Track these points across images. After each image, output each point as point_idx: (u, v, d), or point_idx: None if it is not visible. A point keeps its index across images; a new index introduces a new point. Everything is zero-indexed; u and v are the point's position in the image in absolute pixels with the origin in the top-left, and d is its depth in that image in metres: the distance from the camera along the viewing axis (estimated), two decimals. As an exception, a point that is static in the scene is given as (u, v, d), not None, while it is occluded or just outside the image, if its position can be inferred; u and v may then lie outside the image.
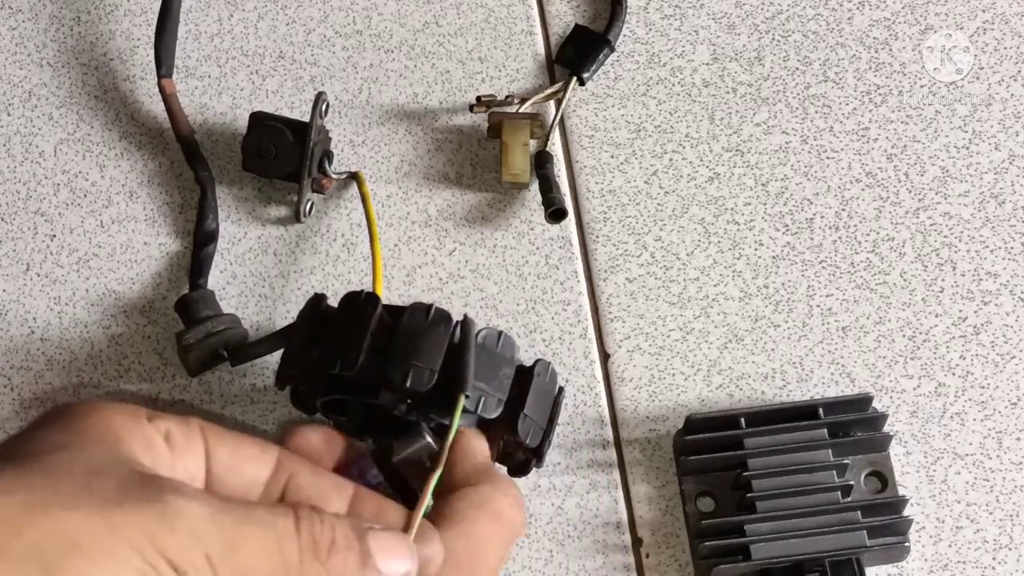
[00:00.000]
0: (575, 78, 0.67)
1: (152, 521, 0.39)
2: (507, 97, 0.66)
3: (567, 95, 0.67)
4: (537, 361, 0.55)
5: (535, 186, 0.65)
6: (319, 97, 0.63)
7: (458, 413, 0.50)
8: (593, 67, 0.68)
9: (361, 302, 0.54)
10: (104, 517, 0.38)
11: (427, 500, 0.47)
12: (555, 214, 0.63)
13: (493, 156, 0.67)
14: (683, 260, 0.65)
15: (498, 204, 0.66)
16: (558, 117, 0.67)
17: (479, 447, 0.51)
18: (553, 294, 0.65)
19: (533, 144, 0.66)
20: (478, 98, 0.66)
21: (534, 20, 0.70)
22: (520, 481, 0.61)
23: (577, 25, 0.69)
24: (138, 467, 0.41)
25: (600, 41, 0.68)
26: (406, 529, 0.46)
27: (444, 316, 0.53)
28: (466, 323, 0.52)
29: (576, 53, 0.68)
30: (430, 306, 0.53)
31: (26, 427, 0.43)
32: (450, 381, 0.52)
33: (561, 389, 0.56)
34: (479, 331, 0.53)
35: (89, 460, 0.40)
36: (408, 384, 0.51)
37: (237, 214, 0.66)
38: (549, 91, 0.67)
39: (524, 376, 0.54)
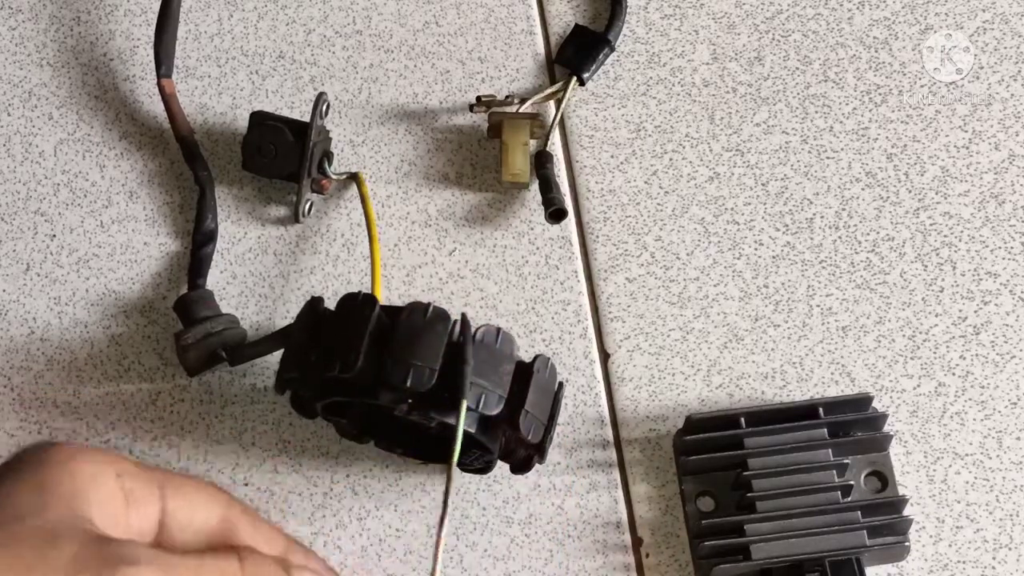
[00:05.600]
0: (575, 78, 0.67)
1: None
2: (507, 97, 0.66)
3: (567, 95, 0.67)
4: (537, 357, 0.55)
5: (535, 186, 0.65)
6: (319, 97, 0.63)
7: (461, 420, 0.50)
8: (593, 67, 0.68)
9: (359, 303, 0.54)
10: None
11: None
12: (555, 214, 0.63)
13: (493, 156, 0.67)
14: (683, 260, 0.65)
15: (498, 204, 0.66)
16: (558, 117, 0.67)
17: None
18: (553, 294, 0.65)
19: (533, 144, 0.66)
20: (478, 98, 0.66)
21: (534, 20, 0.70)
22: (520, 481, 0.61)
23: (577, 25, 0.69)
24: (94, 529, 0.43)
25: (600, 41, 0.68)
26: None
27: (442, 314, 0.53)
28: (464, 322, 0.52)
29: (576, 53, 0.68)
30: (428, 305, 0.53)
31: (2, 469, 0.45)
32: (450, 379, 0.52)
33: (561, 384, 0.56)
34: (477, 328, 0.53)
35: (47, 526, 0.43)
36: (408, 384, 0.51)
37: (237, 214, 0.66)
38: (549, 91, 0.67)
39: (524, 372, 0.54)
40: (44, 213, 0.66)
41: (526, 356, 0.56)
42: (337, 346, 0.53)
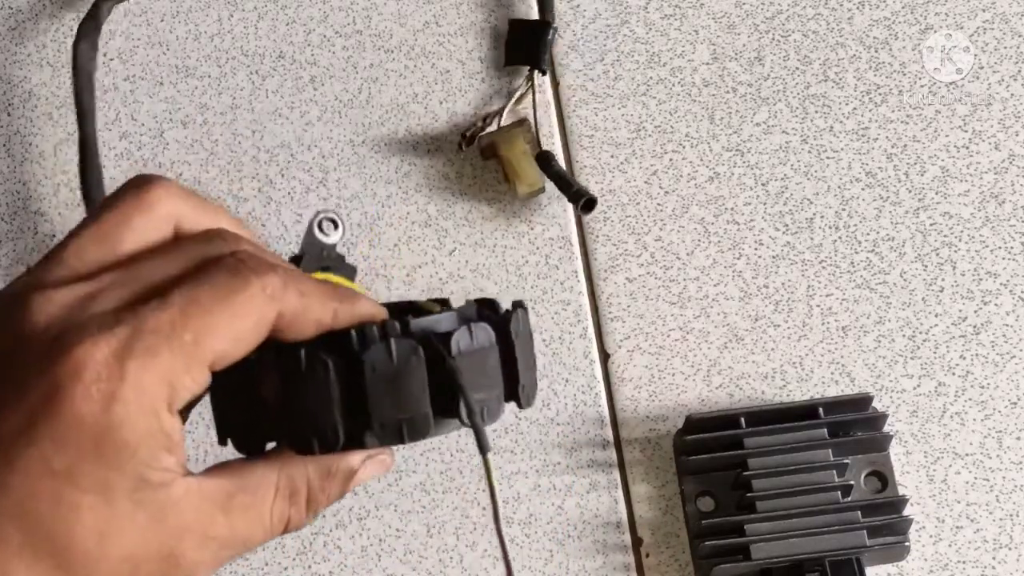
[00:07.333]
0: (535, 71, 0.67)
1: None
2: (485, 118, 0.66)
3: (535, 90, 0.67)
4: (508, 320, 0.47)
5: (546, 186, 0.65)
6: (315, 216, 0.48)
7: (494, 476, 0.44)
8: (545, 53, 0.67)
9: (306, 367, 0.44)
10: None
11: None
12: (587, 204, 0.63)
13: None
14: (683, 260, 0.65)
15: (498, 204, 0.66)
16: (536, 113, 0.66)
17: None
18: (553, 294, 0.65)
19: (529, 148, 0.66)
20: (462, 135, 0.66)
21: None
22: (520, 480, 0.61)
23: (511, 20, 0.68)
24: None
25: (539, 26, 0.67)
26: None
27: (408, 348, 0.45)
28: (431, 343, 0.44)
29: (525, 47, 0.67)
30: (388, 342, 0.44)
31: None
32: (445, 402, 0.45)
33: (525, 311, 0.48)
34: (449, 335, 0.45)
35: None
36: (407, 439, 0.45)
37: (237, 214, 0.66)
38: (517, 95, 0.67)
39: (507, 349, 0.47)
40: (44, 213, 0.66)
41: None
42: (303, 424, 0.45)
